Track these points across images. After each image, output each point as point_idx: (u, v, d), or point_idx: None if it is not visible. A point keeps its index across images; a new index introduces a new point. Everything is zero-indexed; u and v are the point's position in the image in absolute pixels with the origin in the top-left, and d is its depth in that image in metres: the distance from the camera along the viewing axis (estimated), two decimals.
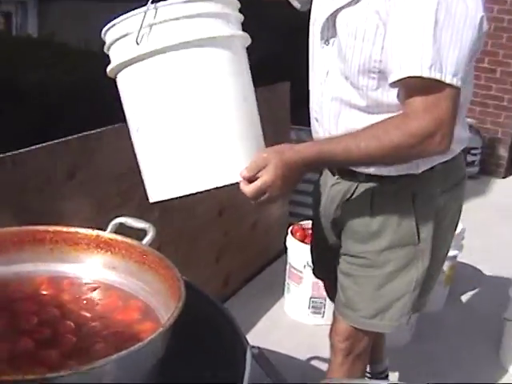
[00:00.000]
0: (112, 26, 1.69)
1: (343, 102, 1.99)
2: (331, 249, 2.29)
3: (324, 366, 2.66)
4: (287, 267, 3.67)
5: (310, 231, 2.85)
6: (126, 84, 1.74)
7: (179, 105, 1.67)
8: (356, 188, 2.10)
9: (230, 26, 1.72)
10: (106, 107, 2.52)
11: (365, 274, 2.15)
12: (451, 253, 2.77)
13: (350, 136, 1.76)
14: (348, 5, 1.87)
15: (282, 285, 3.74)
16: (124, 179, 2.64)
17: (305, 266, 3.47)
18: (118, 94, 1.78)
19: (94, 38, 2.11)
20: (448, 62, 1.68)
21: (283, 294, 3.75)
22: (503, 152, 6.83)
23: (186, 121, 1.67)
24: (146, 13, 1.60)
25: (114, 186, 2.66)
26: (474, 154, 6.41)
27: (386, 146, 1.72)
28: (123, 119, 1.79)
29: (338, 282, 2.24)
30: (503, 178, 6.80)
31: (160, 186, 1.74)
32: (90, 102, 4.64)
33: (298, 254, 3.52)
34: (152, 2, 1.62)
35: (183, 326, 1.22)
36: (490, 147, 6.71)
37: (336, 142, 1.77)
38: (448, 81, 1.68)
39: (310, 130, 2.30)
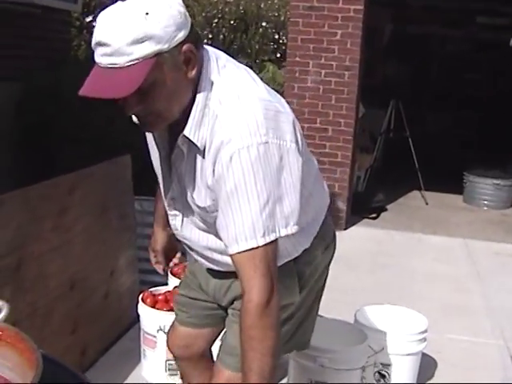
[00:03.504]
0: None
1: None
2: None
3: None
4: (141, 333, 3.75)
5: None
6: None
7: None
8: None
9: None
10: None
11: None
12: None
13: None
14: None
15: (139, 351, 3.81)
16: None
17: (158, 331, 3.57)
18: None
19: None
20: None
21: (140, 360, 3.81)
22: (341, 205, 7.17)
23: None
24: None
25: None
26: None
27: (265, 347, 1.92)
28: None
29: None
30: (344, 229, 7.13)
31: None
32: None
33: (150, 319, 3.63)
34: None
35: None
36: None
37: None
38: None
39: (153, 200, 2.47)
